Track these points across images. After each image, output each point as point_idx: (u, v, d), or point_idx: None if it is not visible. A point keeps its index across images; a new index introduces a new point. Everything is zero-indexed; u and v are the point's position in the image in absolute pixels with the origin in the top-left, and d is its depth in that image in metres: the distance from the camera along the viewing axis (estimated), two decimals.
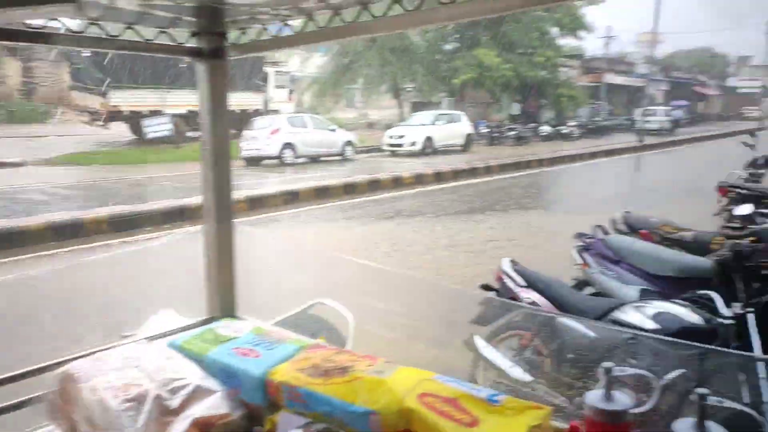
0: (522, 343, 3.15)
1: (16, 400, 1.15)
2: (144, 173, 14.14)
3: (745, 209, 4.47)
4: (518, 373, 2.95)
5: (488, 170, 15.53)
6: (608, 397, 0.75)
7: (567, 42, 30.24)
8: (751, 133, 9.09)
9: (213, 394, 1.06)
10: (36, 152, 17.09)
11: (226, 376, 1.10)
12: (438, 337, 3.81)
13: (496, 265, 3.67)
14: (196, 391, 1.05)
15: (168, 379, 1.06)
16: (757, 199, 5.73)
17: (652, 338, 2.59)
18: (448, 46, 29.46)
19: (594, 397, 0.76)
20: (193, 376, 1.08)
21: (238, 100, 22.74)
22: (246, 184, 12.16)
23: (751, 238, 3.59)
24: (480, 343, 3.09)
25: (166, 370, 1.09)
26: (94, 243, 7.40)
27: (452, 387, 0.93)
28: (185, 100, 19.80)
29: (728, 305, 2.79)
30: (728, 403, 0.58)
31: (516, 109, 30.15)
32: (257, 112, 21.64)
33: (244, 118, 20.59)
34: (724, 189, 6.76)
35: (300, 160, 17.24)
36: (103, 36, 1.29)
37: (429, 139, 19.73)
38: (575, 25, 28.07)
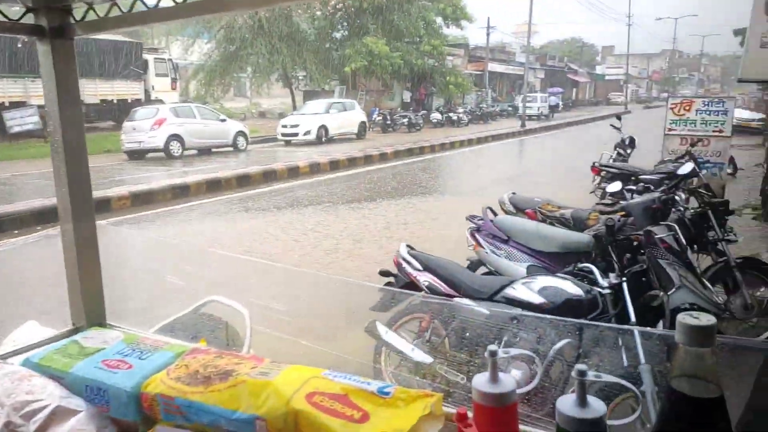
0: (422, 325, 3.21)
1: None
2: (9, 171, 12.78)
3: (616, 186, 4.84)
4: (420, 355, 3.00)
5: (383, 157, 15.71)
6: (494, 379, 0.74)
7: (451, 32, 31.23)
8: (618, 116, 9.89)
9: (76, 414, 0.94)
10: None
11: (93, 392, 0.99)
12: (336, 329, 3.79)
13: (394, 250, 3.71)
14: (55, 413, 0.92)
15: (21, 402, 0.92)
16: (626, 176, 6.24)
17: (538, 315, 2.74)
18: (338, 34, 29.33)
19: (479, 380, 0.75)
20: (52, 396, 0.96)
21: (114, 89, 21.20)
22: (129, 179, 11.39)
23: (621, 213, 3.90)
24: (382, 329, 3.10)
25: (18, 392, 0.95)
26: None
27: (342, 382, 0.89)
28: None
29: (606, 276, 3.00)
30: (606, 377, 0.61)
31: (407, 96, 30.73)
32: (138, 102, 20.29)
33: (123, 109, 19.22)
34: (596, 169, 7.32)
35: (189, 152, 16.42)
36: None
37: (323, 127, 19.57)
38: (458, 15, 29.00)
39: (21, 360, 1.08)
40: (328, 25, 28.07)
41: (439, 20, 29.32)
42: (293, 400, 0.84)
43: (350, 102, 22.46)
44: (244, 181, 11.66)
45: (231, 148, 17.47)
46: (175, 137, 15.74)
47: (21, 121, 17.44)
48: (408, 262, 3.52)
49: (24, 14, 1.22)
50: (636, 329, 2.27)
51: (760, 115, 22.08)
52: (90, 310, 1.28)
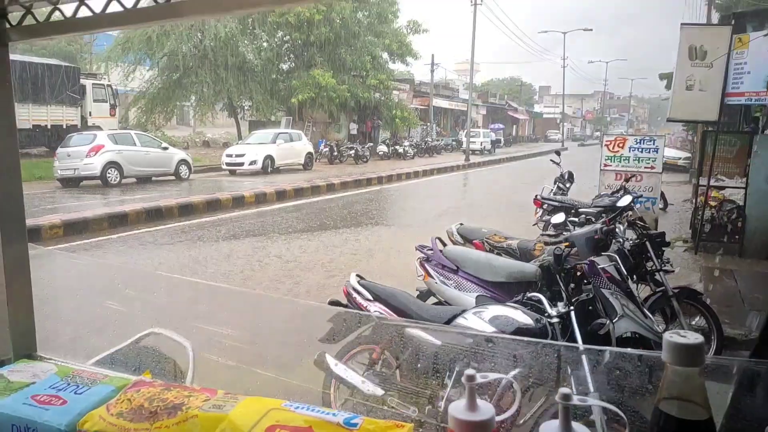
0: (373, 357, 3.14)
1: None
2: None
3: (559, 218, 4.98)
4: (370, 387, 2.91)
5: (330, 188, 15.66)
6: (471, 407, 0.70)
7: (397, 67, 31.96)
8: (557, 152, 10.27)
9: None
10: None
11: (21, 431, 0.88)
12: (287, 359, 3.65)
13: (343, 280, 3.65)
14: None
15: None
16: (566, 209, 6.45)
17: (492, 340, 2.72)
18: (284, 66, 29.43)
19: (457, 407, 0.70)
20: None
21: (48, 114, 20.33)
22: (63, 207, 10.83)
23: (566, 244, 4.00)
24: (331, 361, 3.01)
25: None
26: None
27: (304, 414, 0.82)
28: None
29: (554, 305, 3.04)
30: (591, 401, 0.59)
31: (354, 129, 31.00)
32: (74, 128, 19.52)
33: (57, 134, 18.44)
34: (538, 202, 7.54)
35: (128, 181, 15.84)
36: None
37: (269, 158, 19.38)
38: (403, 51, 29.73)
39: None
40: (274, 57, 28.13)
41: (385, 55, 29.95)
42: None
43: (297, 133, 22.41)
44: (187, 210, 11.31)
45: (173, 177, 16.99)
46: (113, 164, 15.17)
47: None
48: (358, 292, 3.46)
49: None
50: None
51: (686, 154, 23.56)
52: (19, 340, 1.15)
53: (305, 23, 26.12)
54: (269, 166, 19.27)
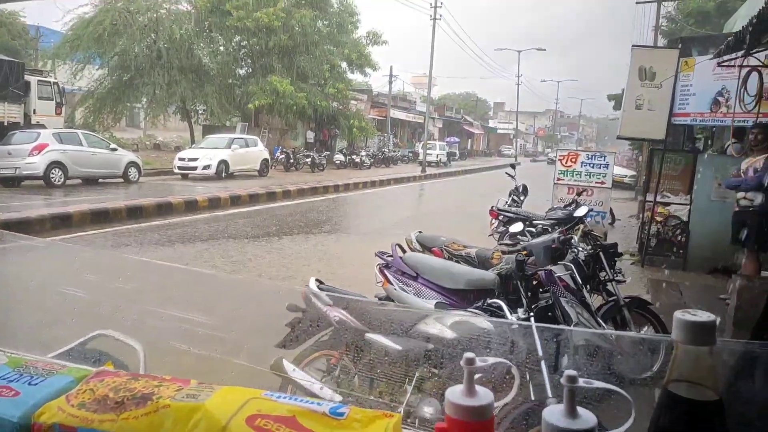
0: (331, 362, 3.07)
1: None
2: None
3: (518, 227, 5.06)
4: (328, 394, 2.85)
5: (286, 195, 15.47)
6: (470, 392, 0.67)
7: (355, 77, 32.02)
8: (512, 165, 10.48)
9: None
10: None
11: None
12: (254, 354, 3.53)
13: (301, 285, 3.57)
14: None
15: None
16: (521, 220, 6.57)
17: (453, 345, 2.71)
18: (241, 71, 29.02)
19: (454, 393, 0.67)
20: None
21: None
22: (2, 207, 10.27)
23: (524, 252, 4.06)
24: (288, 366, 2.93)
25: None
26: None
27: (287, 404, 0.77)
28: None
29: (514, 311, 3.06)
30: (597, 384, 0.56)
31: (311, 137, 30.82)
32: (16, 126, 18.61)
33: None
34: (494, 213, 7.65)
35: (73, 182, 15.19)
36: None
37: (224, 162, 18.99)
38: (362, 62, 29.82)
39: None
40: (231, 61, 27.70)
41: (344, 65, 29.95)
42: (231, 426, 0.72)
43: (253, 138, 22.08)
44: (136, 212, 10.92)
45: (121, 180, 16.41)
46: (57, 164, 14.53)
47: None
48: (317, 297, 3.39)
49: None
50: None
51: (632, 172, 24.52)
52: None
53: (264, 29, 25.85)
54: (223, 171, 18.88)
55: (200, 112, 28.59)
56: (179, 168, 18.83)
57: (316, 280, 3.52)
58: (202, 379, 0.85)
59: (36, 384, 0.86)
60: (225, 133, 23.22)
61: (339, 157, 27.89)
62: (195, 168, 18.49)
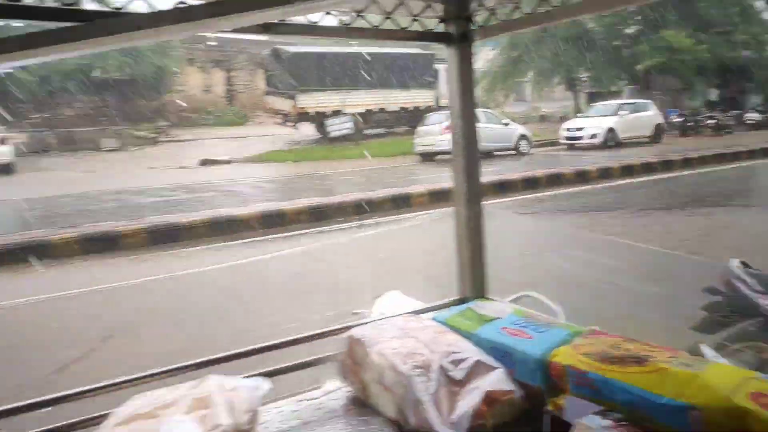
0: (762, 356, 2.75)
1: (309, 358, 1.26)
2: (329, 169, 15.18)
3: None
4: None
5: (686, 163, 13.97)
6: None
7: None
8: None
9: (494, 370, 1.05)
10: (238, 151, 19.35)
11: (499, 354, 1.09)
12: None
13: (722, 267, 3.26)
14: (477, 365, 1.05)
15: (447, 351, 1.07)
16: None
17: None
18: (629, 30, 27.07)
19: None
20: (470, 351, 1.09)
21: (410, 98, 23.45)
22: (425, 179, 12.34)
23: None
24: (709, 352, 2.76)
25: (440, 342, 1.11)
26: (296, 231, 8.20)
27: None
28: (363, 100, 21.18)
29: None
30: None
31: (713, 95, 26.78)
32: (429, 109, 22.03)
33: (416, 115, 21.08)
34: None
35: None
36: (367, 27, 1.35)
37: (611, 130, 18.36)
38: None
39: (433, 317, 1.26)
40: (618, 21, 26.14)
41: (758, 4, 24.75)
42: (736, 398, 0.79)
43: (644, 102, 20.58)
44: (581, 178, 12.00)
45: (513, 152, 17.67)
46: None
47: (339, 127, 20.70)
48: (743, 282, 3.06)
49: (437, 24, 1.42)
50: None
51: None
52: (475, 283, 1.42)
53: None
54: (611, 140, 18.28)
55: (584, 79, 28.13)
56: (565, 138, 19.11)
57: (741, 261, 3.16)
58: None
59: (542, 332, 1.11)
60: (611, 99, 22.33)
61: (753, 116, 23.45)
62: (581, 138, 18.45)
